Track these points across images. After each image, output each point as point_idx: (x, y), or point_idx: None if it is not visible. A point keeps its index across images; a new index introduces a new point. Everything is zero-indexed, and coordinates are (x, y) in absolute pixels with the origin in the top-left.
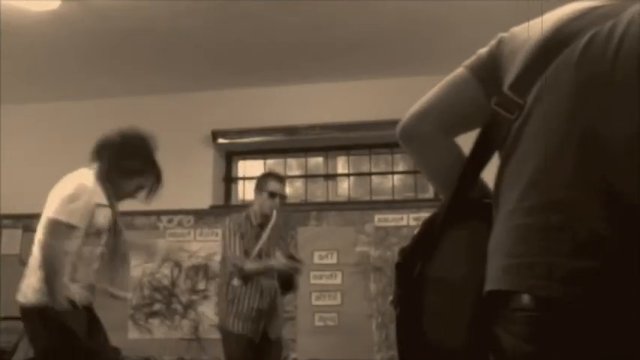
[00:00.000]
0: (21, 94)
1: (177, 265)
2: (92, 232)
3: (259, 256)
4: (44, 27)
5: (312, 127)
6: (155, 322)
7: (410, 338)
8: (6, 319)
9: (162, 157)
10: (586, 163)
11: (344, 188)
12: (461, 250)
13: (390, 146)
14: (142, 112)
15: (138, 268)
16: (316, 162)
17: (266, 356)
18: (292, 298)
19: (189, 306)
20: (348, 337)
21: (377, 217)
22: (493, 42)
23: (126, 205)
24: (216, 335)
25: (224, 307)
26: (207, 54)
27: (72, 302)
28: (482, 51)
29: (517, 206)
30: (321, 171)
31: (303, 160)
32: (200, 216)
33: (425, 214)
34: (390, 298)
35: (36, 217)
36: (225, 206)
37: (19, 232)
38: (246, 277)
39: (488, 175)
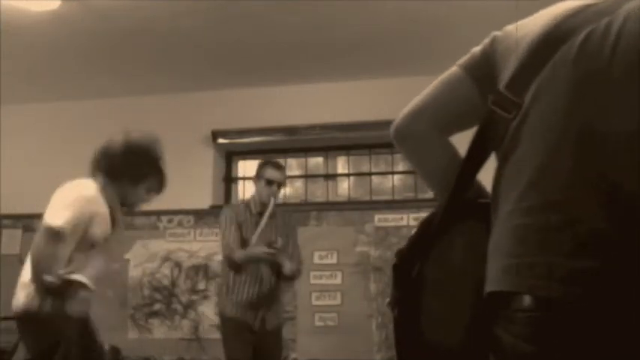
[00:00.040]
0: (21, 94)
1: (177, 265)
2: (87, 243)
3: (270, 244)
4: (44, 27)
5: (312, 127)
6: (155, 322)
7: (408, 339)
8: (6, 319)
9: None
10: (584, 161)
11: (344, 188)
12: (459, 251)
13: (390, 146)
14: (142, 112)
15: (138, 268)
16: (316, 162)
17: (264, 345)
18: (292, 298)
19: (189, 306)
20: (348, 337)
21: (377, 217)
22: (487, 41)
23: None
24: (216, 335)
25: (224, 295)
26: (207, 54)
27: (60, 313)
28: (476, 50)
29: (516, 206)
30: (321, 171)
31: (303, 160)
32: (200, 216)
33: (425, 214)
34: (388, 299)
35: (36, 217)
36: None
37: (19, 232)
38: (237, 266)
39: (483, 175)
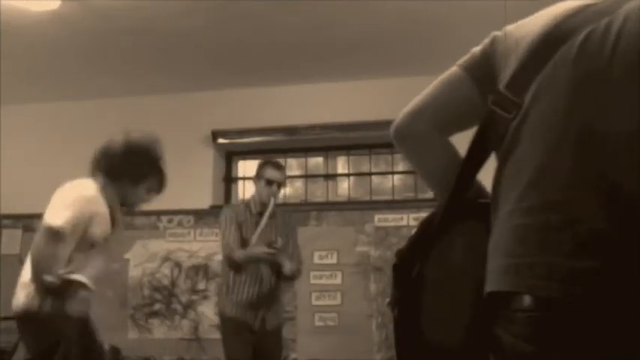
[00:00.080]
0: (21, 94)
1: (177, 265)
2: (86, 243)
3: (270, 244)
4: (44, 27)
5: (312, 127)
6: (155, 322)
7: (408, 340)
8: (6, 319)
9: None
10: (584, 161)
11: (344, 188)
12: (459, 251)
13: (390, 146)
14: (142, 112)
15: (138, 268)
16: (316, 162)
17: (264, 345)
18: (292, 298)
19: (189, 306)
20: (348, 337)
21: (377, 217)
22: (487, 40)
23: None
24: (216, 335)
25: (224, 295)
26: (207, 54)
27: (60, 313)
28: (476, 50)
29: (516, 206)
30: (321, 171)
31: (303, 160)
32: (200, 216)
33: (425, 214)
34: (388, 299)
35: (36, 217)
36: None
37: (19, 232)
38: (237, 266)
39: (483, 175)
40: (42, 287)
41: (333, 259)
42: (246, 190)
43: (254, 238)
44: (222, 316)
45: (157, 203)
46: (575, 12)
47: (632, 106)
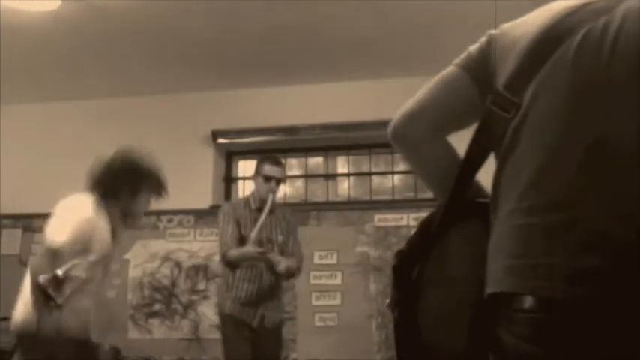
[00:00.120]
0: (21, 94)
1: (177, 265)
2: (88, 263)
3: (260, 241)
4: (44, 27)
5: (312, 127)
6: (155, 322)
7: (409, 340)
8: (6, 319)
9: (162, 157)
10: (586, 161)
11: (344, 188)
12: (459, 251)
13: (390, 146)
14: (142, 112)
15: (138, 268)
16: (316, 162)
17: (263, 343)
18: (292, 298)
19: (189, 306)
20: (348, 337)
21: (377, 217)
22: (483, 39)
23: None
24: (216, 335)
25: (223, 292)
26: (207, 54)
27: (62, 335)
28: (473, 48)
29: (517, 206)
30: (321, 171)
31: (303, 160)
32: (200, 216)
33: (425, 214)
34: (388, 300)
35: (36, 217)
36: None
37: (19, 232)
38: (232, 265)
39: (483, 176)
40: (42, 305)
41: (333, 259)
42: (246, 190)
43: (252, 235)
44: (221, 313)
45: (156, 203)
46: (572, 11)
47: (632, 106)
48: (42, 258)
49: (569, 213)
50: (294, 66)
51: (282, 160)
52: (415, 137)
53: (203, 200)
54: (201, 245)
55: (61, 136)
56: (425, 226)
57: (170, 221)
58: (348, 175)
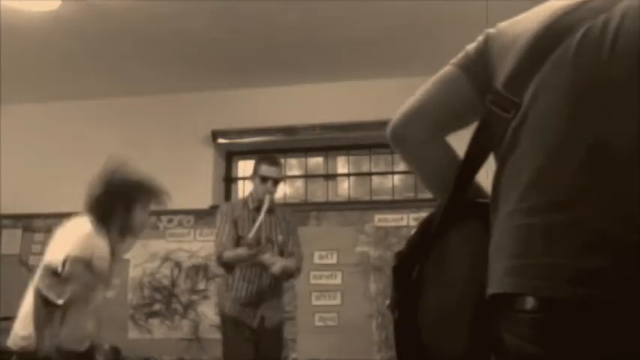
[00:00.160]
0: (21, 94)
1: (177, 265)
2: (88, 285)
3: (259, 241)
4: (44, 27)
5: (312, 127)
6: (155, 322)
7: (409, 341)
8: (6, 319)
9: (162, 157)
10: (586, 161)
11: (344, 188)
12: (459, 251)
13: (390, 146)
14: (142, 112)
15: (138, 268)
16: (316, 162)
17: (264, 344)
18: (292, 298)
19: (189, 306)
20: (348, 337)
21: (377, 217)
22: (480, 38)
23: None
24: (216, 335)
25: (224, 292)
26: (207, 54)
27: (61, 351)
28: (470, 47)
29: (517, 207)
30: (321, 171)
31: (303, 160)
32: (200, 216)
33: (425, 214)
34: (387, 302)
35: (36, 217)
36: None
37: (19, 232)
38: (227, 266)
39: (483, 176)
40: (42, 322)
41: (333, 259)
42: (246, 190)
43: (250, 235)
44: (222, 314)
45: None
46: (571, 9)
47: (632, 105)
48: (43, 278)
49: (569, 213)
50: (294, 66)
51: (282, 160)
52: (414, 137)
53: (203, 200)
54: (201, 245)
55: (61, 136)
56: (425, 226)
57: (170, 221)
58: (348, 175)
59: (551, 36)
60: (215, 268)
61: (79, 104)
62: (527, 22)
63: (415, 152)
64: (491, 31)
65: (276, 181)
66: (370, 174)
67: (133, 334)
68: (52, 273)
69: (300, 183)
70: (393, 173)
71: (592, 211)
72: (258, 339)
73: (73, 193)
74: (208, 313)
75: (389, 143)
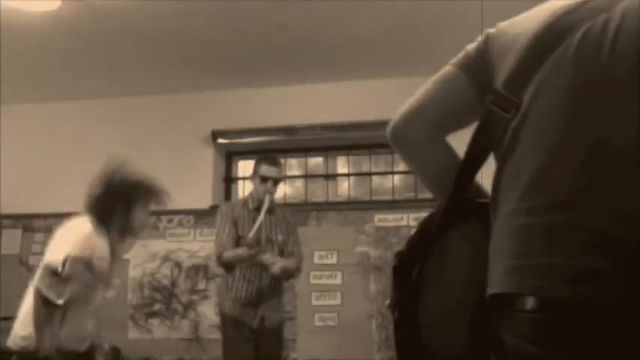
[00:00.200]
0: (21, 94)
1: (177, 265)
2: (88, 285)
3: (259, 241)
4: (44, 27)
5: (312, 127)
6: (155, 322)
7: (409, 341)
8: (6, 319)
9: (162, 157)
10: (588, 162)
11: (344, 188)
12: (459, 251)
13: (390, 146)
14: (142, 112)
15: (138, 268)
16: (316, 162)
17: (264, 344)
18: (292, 298)
19: (189, 306)
20: (348, 337)
21: (377, 217)
22: (480, 38)
23: None
24: (216, 335)
25: (224, 292)
26: (207, 54)
27: (61, 351)
28: (470, 47)
29: (517, 207)
30: (321, 171)
31: (303, 160)
32: (200, 216)
33: (425, 214)
34: (387, 302)
35: (36, 217)
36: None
37: (19, 232)
38: (227, 266)
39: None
40: (42, 322)
41: (333, 259)
42: (246, 190)
43: (250, 235)
44: (222, 314)
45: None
46: (571, 8)
47: (632, 105)
48: (43, 278)
49: (569, 213)
50: (294, 66)
51: (282, 160)
52: (415, 138)
53: (203, 200)
54: (201, 245)
55: (61, 136)
56: (425, 226)
57: (170, 221)
58: (348, 175)
59: (552, 36)
60: (215, 268)
61: (79, 104)
62: (527, 21)
63: (415, 152)
64: (491, 31)
65: (276, 181)
66: (370, 174)
67: (133, 334)
68: (52, 273)
69: (300, 183)
70: (393, 173)
71: (592, 211)
72: (258, 339)
73: (73, 193)
74: (208, 313)
75: (389, 143)
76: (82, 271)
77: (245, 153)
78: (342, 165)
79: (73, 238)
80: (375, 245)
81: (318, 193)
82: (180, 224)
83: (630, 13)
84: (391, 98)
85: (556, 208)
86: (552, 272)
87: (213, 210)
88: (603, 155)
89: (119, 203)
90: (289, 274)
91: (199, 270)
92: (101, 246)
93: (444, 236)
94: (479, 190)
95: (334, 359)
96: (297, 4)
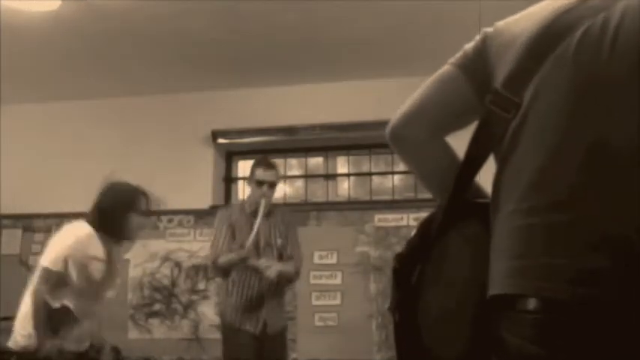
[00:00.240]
0: (21, 94)
1: (177, 265)
2: (86, 286)
3: (257, 245)
4: (44, 27)
5: (312, 127)
6: (155, 322)
7: (409, 342)
8: (6, 319)
9: (162, 157)
10: (588, 161)
11: (344, 188)
12: (459, 252)
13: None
14: (142, 112)
15: (138, 268)
16: (316, 162)
17: (267, 351)
18: (292, 298)
19: (189, 306)
20: (348, 337)
21: (377, 217)
22: (478, 37)
23: None
24: (216, 335)
25: (224, 297)
26: (208, 54)
27: (61, 351)
28: (468, 47)
29: (517, 207)
30: (321, 171)
31: (303, 160)
32: (200, 216)
33: (425, 214)
34: (388, 303)
35: (36, 217)
36: (225, 206)
37: (19, 232)
38: (223, 271)
39: (483, 175)
40: (41, 323)
41: (333, 259)
42: (246, 190)
43: (249, 239)
44: (223, 320)
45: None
46: (571, 7)
47: (632, 105)
48: (39, 280)
49: (569, 213)
50: (294, 66)
51: (282, 160)
52: (414, 138)
53: (203, 200)
54: (201, 245)
55: (61, 136)
56: (424, 227)
57: (170, 221)
58: (348, 175)
59: (551, 35)
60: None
61: (79, 104)
62: (526, 21)
63: (415, 152)
64: (489, 30)
65: (272, 185)
66: (370, 174)
67: (133, 334)
68: (48, 275)
69: (300, 183)
70: (393, 173)
71: (592, 211)
72: (261, 346)
73: (73, 193)
74: (208, 313)
75: (388, 143)
76: (78, 273)
77: (245, 153)
78: (342, 165)
79: (70, 240)
80: (375, 245)
81: (318, 193)
82: (180, 224)
83: (630, 11)
84: (391, 98)
85: (556, 208)
86: (553, 273)
87: (213, 210)
88: (603, 155)
89: (115, 207)
90: (287, 279)
91: (199, 270)
92: (97, 248)
93: (444, 237)
94: (479, 190)
95: (334, 359)
96: (297, 4)
